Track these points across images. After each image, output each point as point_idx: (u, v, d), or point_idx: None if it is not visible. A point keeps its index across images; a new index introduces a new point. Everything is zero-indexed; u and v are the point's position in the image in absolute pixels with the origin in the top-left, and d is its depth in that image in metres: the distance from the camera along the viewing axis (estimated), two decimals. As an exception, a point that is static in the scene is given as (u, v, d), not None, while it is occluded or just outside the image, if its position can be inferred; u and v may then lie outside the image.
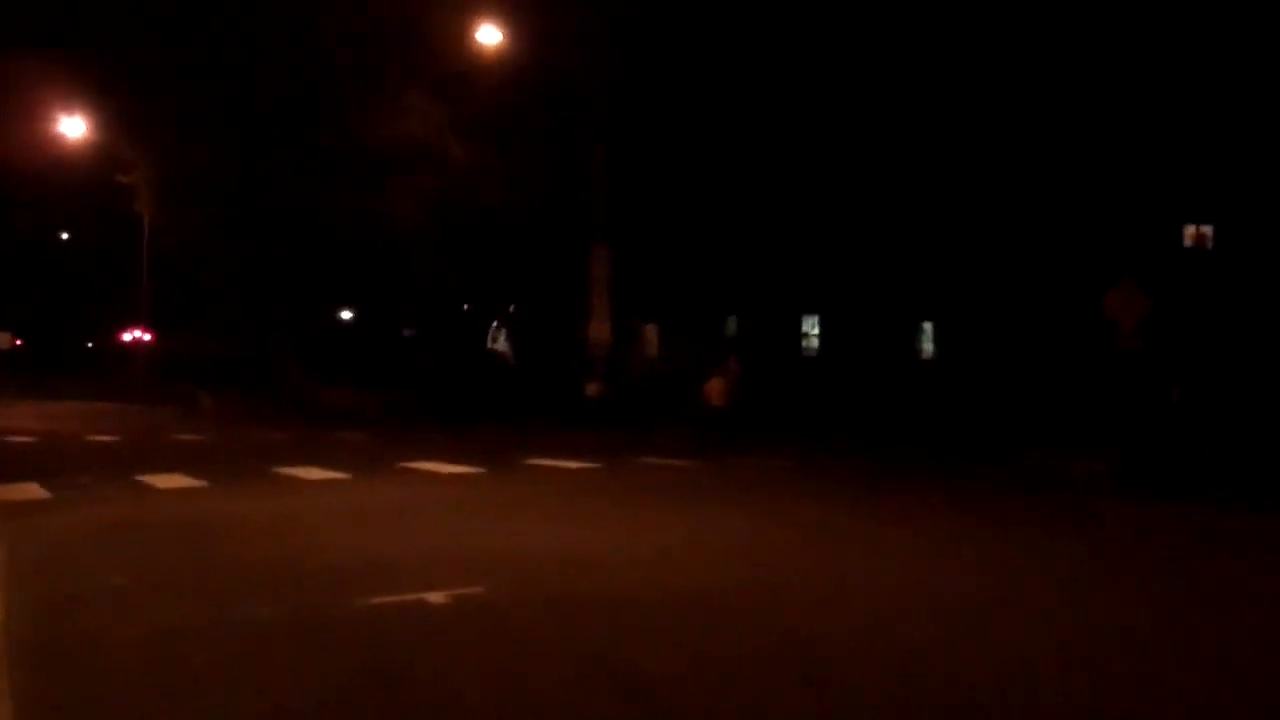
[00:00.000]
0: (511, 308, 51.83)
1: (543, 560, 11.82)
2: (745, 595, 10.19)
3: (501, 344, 54.51)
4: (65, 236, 67.29)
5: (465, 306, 51.87)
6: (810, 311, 46.80)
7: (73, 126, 53.61)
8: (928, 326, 43.99)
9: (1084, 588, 10.94)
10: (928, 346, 44.20)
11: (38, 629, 8.86)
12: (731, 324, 48.53)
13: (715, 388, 36.07)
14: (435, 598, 9.79)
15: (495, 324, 52.63)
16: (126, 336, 62.13)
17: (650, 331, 50.77)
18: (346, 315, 61.06)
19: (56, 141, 55.06)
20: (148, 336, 56.39)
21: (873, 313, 42.25)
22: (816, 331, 46.95)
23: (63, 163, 57.40)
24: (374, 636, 8.62)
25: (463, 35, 37.90)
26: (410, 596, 9.85)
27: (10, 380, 57.80)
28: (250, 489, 18.36)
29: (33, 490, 18.20)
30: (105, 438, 30.80)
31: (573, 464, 22.24)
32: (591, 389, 39.76)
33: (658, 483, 20.45)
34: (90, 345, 76.51)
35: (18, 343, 71.81)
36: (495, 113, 42.51)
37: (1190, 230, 40.29)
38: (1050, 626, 9.17)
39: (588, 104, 40.31)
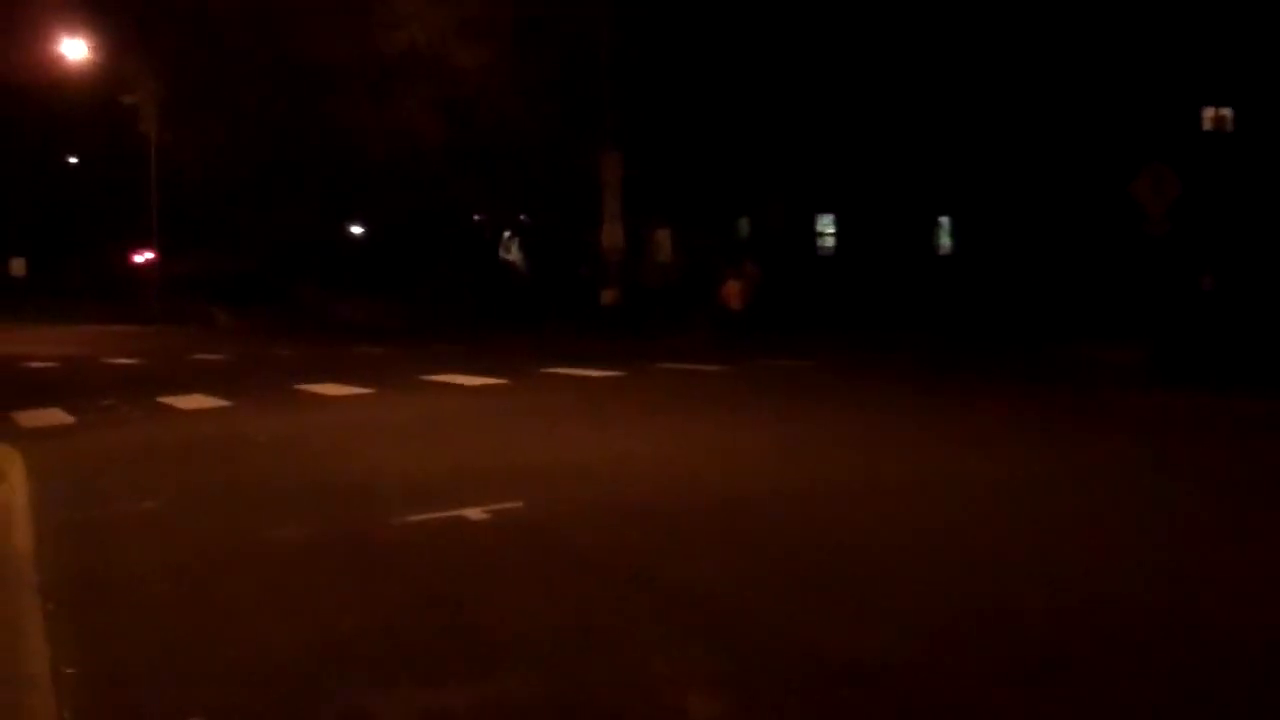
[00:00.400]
0: (523, 217, 51.36)
1: (577, 471, 11.61)
2: (782, 500, 9.96)
3: (514, 254, 54.14)
4: (73, 160, 66.67)
5: (476, 217, 51.38)
6: (825, 210, 46.29)
7: (74, 48, 52.83)
8: (945, 221, 43.48)
9: (1139, 482, 10.71)
10: (945, 241, 43.74)
11: (68, 558, 8.68)
12: (744, 225, 48.03)
13: (732, 290, 35.82)
14: (473, 514, 9.58)
15: (507, 234, 52.19)
16: (139, 259, 61.85)
17: (663, 236, 50.23)
18: (358, 230, 60.56)
19: (58, 63, 54.37)
20: (156, 257, 56.01)
21: (888, 209, 41.70)
22: (832, 230, 46.49)
23: (65, 84, 56.76)
24: (415, 556, 8.42)
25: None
26: (448, 513, 9.63)
27: (25, 306, 57.70)
28: (274, 407, 18.18)
29: (56, 415, 18.04)
30: (124, 360, 30.66)
31: (594, 372, 21.99)
32: (607, 296, 39.46)
33: (681, 388, 20.22)
34: (103, 268, 76.23)
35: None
36: (500, 15, 41.71)
37: (1209, 113, 39.56)
38: (1107, 522, 8.95)
39: (594, 4, 39.54)
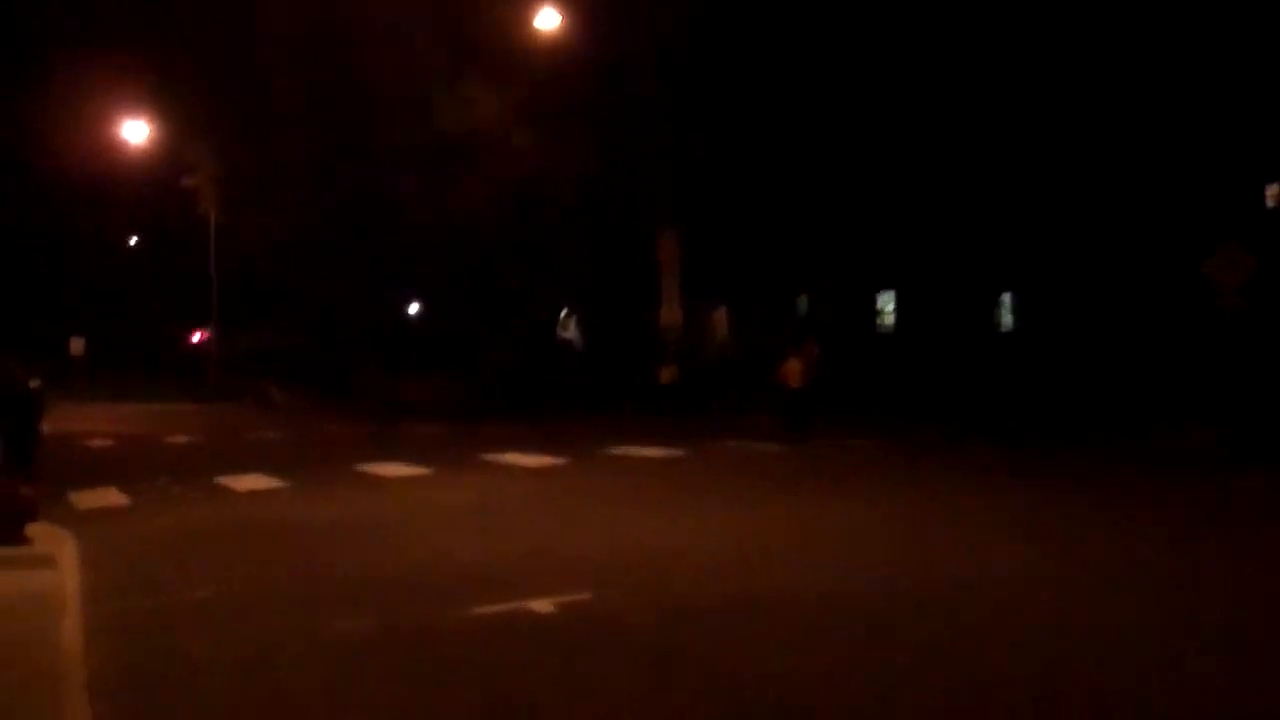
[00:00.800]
0: (575, 300, 51.24)
1: (645, 558, 11.11)
2: (870, 599, 9.34)
3: (571, 332, 53.97)
4: (133, 241, 67.50)
5: (534, 296, 51.29)
6: (884, 287, 45.70)
7: (135, 130, 53.62)
8: (1006, 298, 42.78)
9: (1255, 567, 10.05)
10: (1007, 319, 43.01)
11: (120, 651, 8.27)
12: (803, 303, 47.58)
13: (793, 369, 35.19)
14: (540, 606, 9.09)
15: (565, 312, 52.00)
16: (195, 337, 62.23)
17: (720, 314, 49.93)
18: (414, 308, 60.65)
19: (119, 146, 55.18)
20: (213, 335, 56.24)
21: (949, 286, 41.02)
22: (891, 308, 45.83)
23: (126, 167, 57.52)
24: (482, 653, 7.94)
25: (522, 20, 37.30)
26: (514, 605, 9.15)
27: (83, 384, 58.04)
28: (332, 489, 17.82)
29: (111, 496, 17.77)
30: (181, 438, 30.54)
31: (656, 452, 21.51)
32: (665, 374, 39.05)
33: (746, 470, 19.69)
34: (161, 347, 76.81)
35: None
36: (558, 98, 41.82)
37: (1273, 190, 38.81)
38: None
39: (651, 85, 39.58)
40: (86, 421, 37.78)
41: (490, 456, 21.43)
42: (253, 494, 17.49)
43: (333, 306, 58.62)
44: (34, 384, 19.42)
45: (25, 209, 66.35)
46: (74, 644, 8.32)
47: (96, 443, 29.87)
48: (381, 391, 48.21)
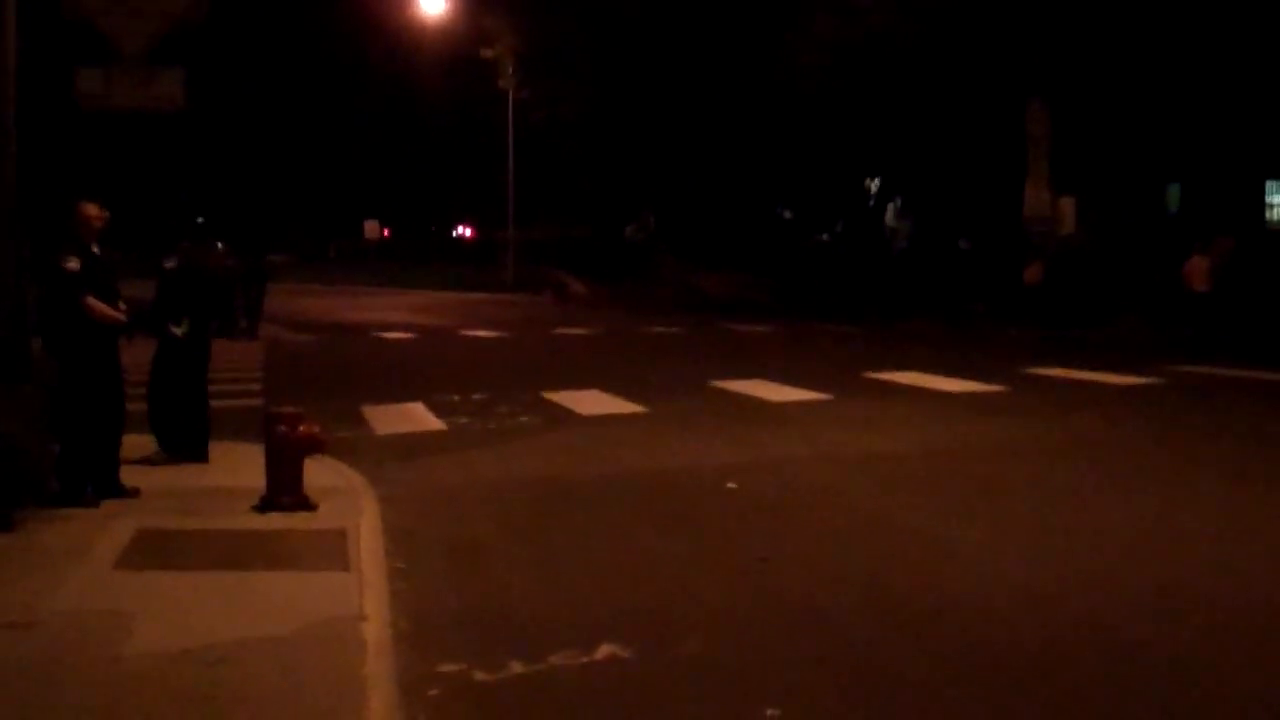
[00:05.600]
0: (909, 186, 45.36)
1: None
2: None
3: (896, 221, 48.33)
4: (427, 124, 64.80)
5: (867, 182, 45.67)
6: (1275, 176, 38.70)
7: (431, 2, 50.27)
8: None
9: None
10: None
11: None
12: (1174, 194, 40.74)
13: (1197, 268, 29.14)
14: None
15: (898, 200, 46.15)
16: (489, 230, 59.38)
17: (1067, 204, 43.22)
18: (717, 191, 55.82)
19: (415, 17, 52.05)
20: (510, 223, 52.84)
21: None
22: (1281, 200, 39.04)
23: (422, 40, 54.52)
24: None
25: None
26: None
27: (379, 270, 55.95)
28: (703, 418, 13.16)
29: (419, 416, 13.64)
30: (484, 333, 26.81)
31: (1108, 377, 16.13)
32: (1031, 273, 33.23)
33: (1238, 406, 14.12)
34: (455, 234, 74.80)
35: (385, 232, 70.64)
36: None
37: None
38: None
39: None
40: (381, 310, 34.78)
41: (884, 376, 16.46)
42: (603, 422, 12.98)
43: (629, 193, 54.75)
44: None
45: (324, 89, 64.75)
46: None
47: (392, 335, 26.40)
48: (684, 284, 43.86)
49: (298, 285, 45.07)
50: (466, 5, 49.91)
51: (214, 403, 10.74)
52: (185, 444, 10.18)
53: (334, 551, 7.34)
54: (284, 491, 8.38)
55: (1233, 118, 35.10)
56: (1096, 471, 10.06)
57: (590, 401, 14.30)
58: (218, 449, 10.46)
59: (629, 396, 14.50)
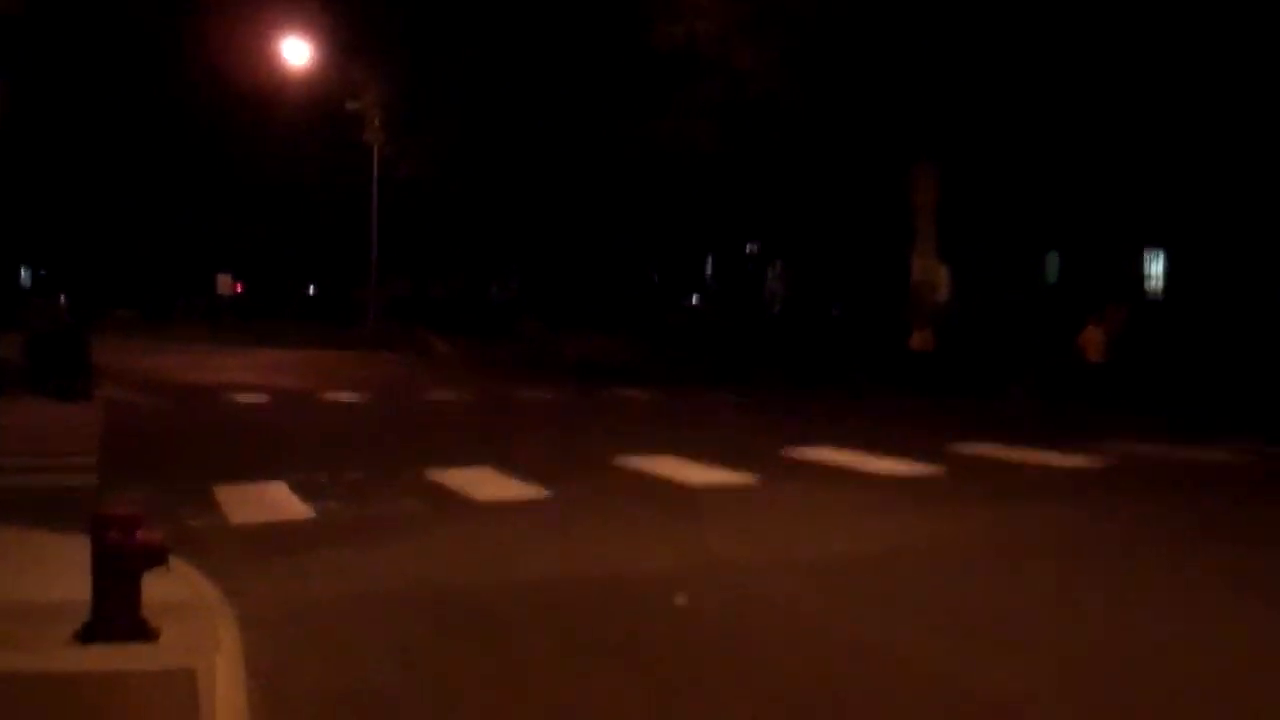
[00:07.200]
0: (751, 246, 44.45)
1: None
2: None
3: (772, 283, 47.30)
4: (292, 178, 62.36)
5: (748, 246, 44.61)
6: (1152, 245, 38.56)
7: (296, 51, 48.08)
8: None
9: None
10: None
11: None
12: (1052, 261, 40.51)
13: (1093, 339, 28.57)
14: None
15: (778, 264, 45.12)
16: (351, 285, 57.10)
17: (941, 273, 42.81)
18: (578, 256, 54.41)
19: (279, 68, 49.82)
20: (372, 278, 50.63)
21: (1230, 245, 33.48)
22: (1160, 270, 38.83)
23: (285, 91, 52.26)
24: None
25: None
26: None
27: (233, 327, 53.17)
28: (613, 506, 11.42)
29: (281, 500, 11.66)
30: (348, 396, 24.77)
31: (1053, 458, 14.81)
32: (917, 340, 32.36)
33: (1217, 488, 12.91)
34: (312, 290, 72.13)
35: (238, 288, 67.63)
36: (790, 8, 34.87)
37: None
38: None
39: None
40: (235, 371, 32.38)
41: (802, 454, 14.91)
42: (502, 511, 11.15)
43: (493, 252, 53.15)
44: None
45: (178, 137, 62.01)
46: None
47: (247, 399, 24.18)
48: (549, 346, 42.24)
49: (145, 342, 42.23)
50: (333, 57, 47.88)
51: (38, 477, 8.74)
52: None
53: (181, 708, 5.45)
54: (116, 614, 6.44)
55: (1111, 186, 34.83)
56: (1086, 577, 8.62)
57: (482, 483, 12.46)
58: (35, 541, 8.46)
59: (525, 477, 12.70)
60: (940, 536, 10.04)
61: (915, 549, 9.45)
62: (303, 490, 11.99)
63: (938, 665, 6.45)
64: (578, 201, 45.43)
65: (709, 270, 49.66)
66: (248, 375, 30.48)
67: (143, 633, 6.44)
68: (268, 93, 52.84)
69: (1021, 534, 10.22)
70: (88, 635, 6.41)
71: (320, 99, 50.10)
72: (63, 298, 25.01)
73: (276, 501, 11.54)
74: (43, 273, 72.07)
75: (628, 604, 7.73)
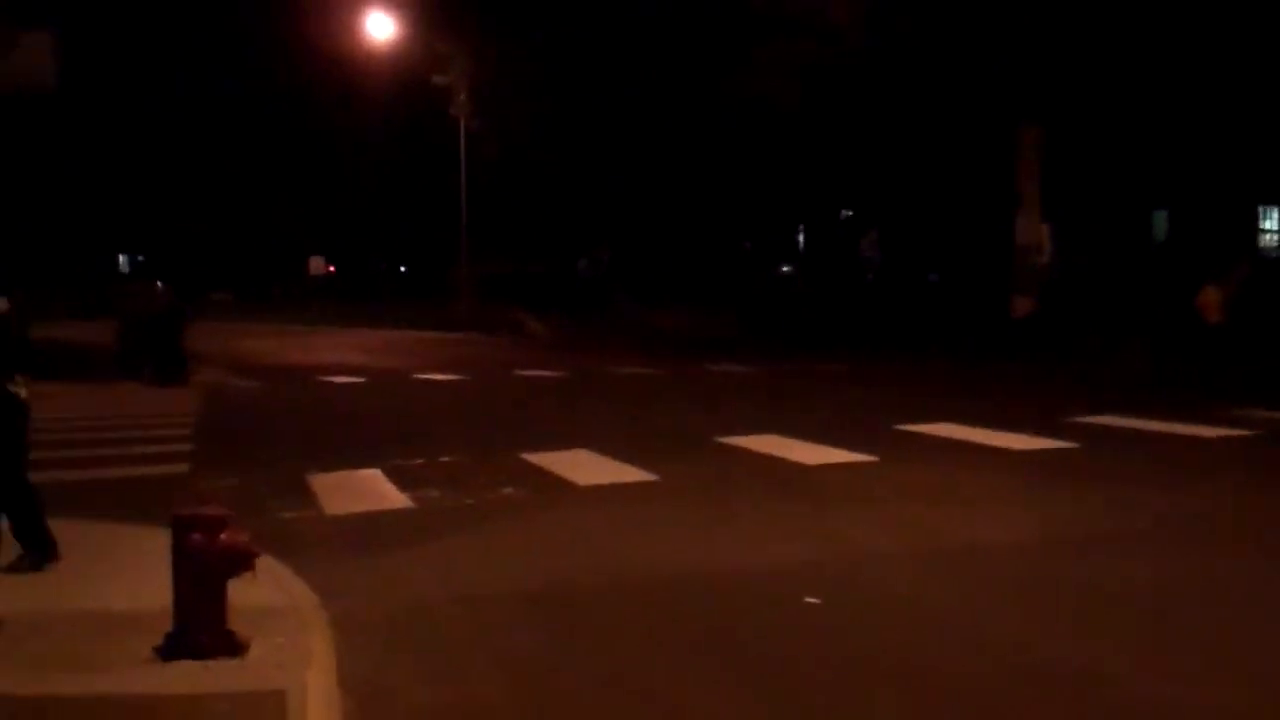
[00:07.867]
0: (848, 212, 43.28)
1: None
2: None
3: (867, 250, 46.19)
4: (376, 153, 62.18)
5: (846, 212, 43.50)
6: (1269, 202, 37.23)
7: (381, 25, 47.67)
8: None
9: None
10: None
11: None
12: (1160, 220, 39.10)
13: (1212, 300, 27.30)
14: None
15: (874, 231, 44.00)
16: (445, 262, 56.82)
17: (1042, 231, 41.50)
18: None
19: (364, 44, 49.48)
20: (463, 257, 50.25)
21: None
22: (1275, 226, 37.56)
23: (371, 65, 52.02)
24: None
25: None
26: None
27: (326, 309, 53.24)
28: (724, 490, 10.73)
29: (377, 487, 11.12)
30: (440, 376, 24.34)
31: (1200, 430, 13.86)
32: (1020, 306, 31.27)
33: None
34: (404, 270, 72.14)
35: (330, 269, 67.89)
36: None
37: None
38: None
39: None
40: (328, 351, 32.21)
41: (919, 429, 14.11)
42: (607, 496, 10.48)
43: (583, 229, 52.55)
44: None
45: (269, 119, 62.25)
46: None
47: (340, 380, 23.87)
48: (641, 321, 41.58)
49: (240, 325, 42.34)
50: (417, 30, 47.41)
51: (131, 467, 8.27)
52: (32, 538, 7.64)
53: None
54: (200, 627, 5.90)
55: (1223, 141, 33.45)
56: None
57: (584, 467, 11.85)
58: (125, 538, 8.01)
59: (628, 459, 12.06)
60: (1100, 522, 9.19)
61: (1074, 538, 8.61)
62: (399, 477, 11.47)
63: (1144, 691, 5.68)
64: (667, 172, 44.65)
65: (801, 239, 48.64)
66: (341, 356, 30.27)
67: (229, 647, 5.88)
68: (353, 71, 52.69)
69: (1200, 518, 9.32)
70: (169, 650, 5.87)
71: (408, 73, 49.75)
72: (159, 283, 24.73)
73: (372, 489, 11.02)
74: (140, 259, 72.93)
75: (755, 603, 7.04)
